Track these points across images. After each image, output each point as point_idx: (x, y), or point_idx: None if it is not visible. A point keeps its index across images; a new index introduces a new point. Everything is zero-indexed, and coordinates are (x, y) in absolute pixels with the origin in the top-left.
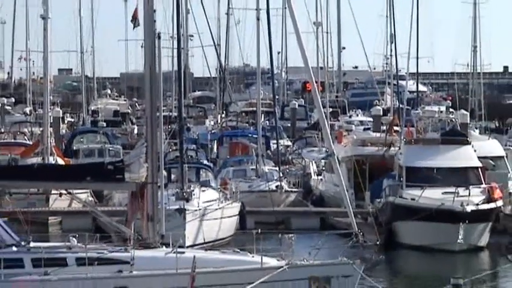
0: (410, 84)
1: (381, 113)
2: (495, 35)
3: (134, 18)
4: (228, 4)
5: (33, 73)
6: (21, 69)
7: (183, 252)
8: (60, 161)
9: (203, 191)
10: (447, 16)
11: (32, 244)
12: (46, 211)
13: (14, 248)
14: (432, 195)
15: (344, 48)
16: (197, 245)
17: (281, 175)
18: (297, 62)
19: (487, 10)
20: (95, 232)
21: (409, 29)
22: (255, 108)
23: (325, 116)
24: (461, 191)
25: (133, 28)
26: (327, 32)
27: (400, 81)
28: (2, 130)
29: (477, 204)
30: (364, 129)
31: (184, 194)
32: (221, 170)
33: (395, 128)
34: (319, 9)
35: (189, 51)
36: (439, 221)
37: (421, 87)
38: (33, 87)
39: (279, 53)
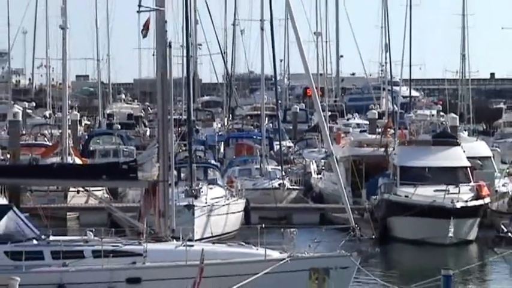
0: (404, 90)
1: (377, 117)
2: (482, 43)
3: (146, 28)
4: (234, 15)
5: (53, 79)
6: (41, 76)
7: (192, 245)
8: (78, 161)
9: (211, 188)
10: (438, 26)
11: (51, 238)
12: (65, 207)
13: (35, 241)
14: (424, 193)
15: (342, 56)
16: (205, 238)
17: (283, 174)
18: (299, 69)
19: (475, 21)
20: (110, 227)
21: (402, 38)
22: (259, 112)
23: (325, 119)
24: (452, 188)
25: (143, 37)
26: (326, 41)
27: (394, 87)
28: (24, 132)
29: (466, 201)
30: (361, 132)
31: (193, 191)
32: (227, 169)
33: (390, 130)
34: (319, 20)
35: (197, 59)
36: (430, 216)
37: (414, 93)
38: (53, 92)
39: (281, 60)
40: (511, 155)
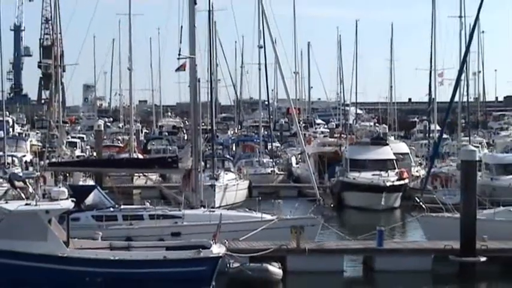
0: (352, 109)
1: (334, 126)
2: (403, 78)
3: (183, 68)
4: (242, 61)
5: (124, 103)
6: (116, 101)
7: (214, 211)
8: (140, 156)
9: (226, 174)
10: (374, 67)
11: (122, 206)
12: (131, 186)
13: (111, 209)
14: (365, 176)
15: (312, 87)
16: (222, 206)
17: (274, 164)
18: (283, 96)
19: (399, 63)
20: (160, 199)
21: (351, 75)
22: (258, 124)
23: (300, 129)
24: (383, 173)
25: (176, 71)
26: (302, 77)
27: (346, 107)
28: (105, 137)
29: (393, 182)
30: (324, 136)
31: (215, 176)
32: (237, 161)
33: (343, 135)
34: (297, 63)
35: (217, 89)
36: (369, 191)
37: (359, 111)
38: (124, 111)
39: (272, 90)
40: (421, 152)
